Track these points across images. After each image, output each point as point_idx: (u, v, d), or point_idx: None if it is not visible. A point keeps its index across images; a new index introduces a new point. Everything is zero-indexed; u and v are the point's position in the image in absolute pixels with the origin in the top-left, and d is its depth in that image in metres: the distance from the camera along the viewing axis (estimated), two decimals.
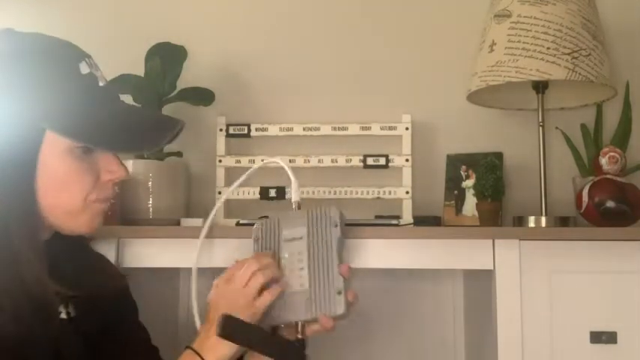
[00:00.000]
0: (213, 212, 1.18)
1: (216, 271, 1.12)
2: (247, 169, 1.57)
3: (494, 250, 1.17)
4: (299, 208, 1.11)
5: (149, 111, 0.99)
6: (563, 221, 1.36)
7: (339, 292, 1.02)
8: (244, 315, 0.97)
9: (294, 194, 1.13)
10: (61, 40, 0.91)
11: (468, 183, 1.54)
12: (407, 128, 1.56)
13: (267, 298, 1.00)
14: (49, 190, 0.87)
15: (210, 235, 1.19)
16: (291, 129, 1.55)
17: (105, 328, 1.01)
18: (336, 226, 1.06)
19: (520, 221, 1.38)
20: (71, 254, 0.97)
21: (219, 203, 1.26)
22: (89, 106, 0.88)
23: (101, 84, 0.91)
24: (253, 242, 1.10)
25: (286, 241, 1.07)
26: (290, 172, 1.13)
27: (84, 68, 0.89)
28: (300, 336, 1.03)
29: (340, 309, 1.01)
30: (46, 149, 0.86)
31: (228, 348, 0.96)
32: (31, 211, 0.86)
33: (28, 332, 0.88)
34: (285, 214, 1.10)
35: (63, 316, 0.96)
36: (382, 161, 1.55)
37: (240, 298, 0.98)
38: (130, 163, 1.44)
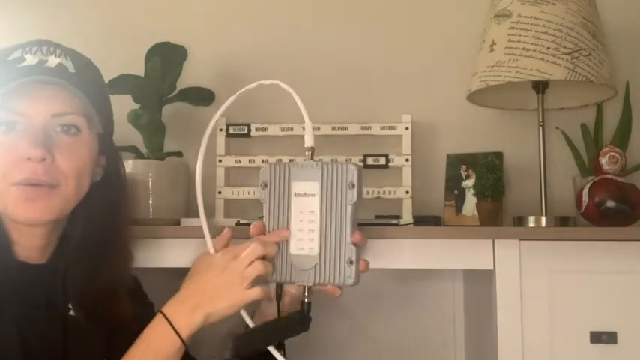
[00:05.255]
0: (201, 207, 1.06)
1: None
2: (247, 169, 1.59)
3: (494, 250, 1.16)
4: (312, 157, 1.00)
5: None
6: (563, 221, 1.36)
7: (351, 262, 0.95)
8: (231, 290, 0.94)
9: (307, 138, 1.00)
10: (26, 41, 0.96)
11: (468, 183, 1.54)
12: (407, 128, 1.55)
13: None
14: None
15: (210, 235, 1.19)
16: (291, 129, 1.55)
17: (117, 327, 1.03)
18: (353, 187, 0.95)
19: (520, 221, 1.38)
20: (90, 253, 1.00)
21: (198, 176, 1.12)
22: None
23: (23, 64, 0.92)
24: (261, 189, 1.01)
25: (297, 195, 0.98)
26: (301, 106, 0.99)
27: (14, 55, 0.93)
28: (306, 299, 0.99)
29: (350, 280, 0.95)
30: None
31: (202, 317, 0.95)
32: None
33: (37, 326, 0.91)
34: (297, 163, 0.99)
35: (71, 313, 0.98)
36: (382, 161, 1.55)
37: (231, 276, 0.95)
38: (129, 163, 1.44)
